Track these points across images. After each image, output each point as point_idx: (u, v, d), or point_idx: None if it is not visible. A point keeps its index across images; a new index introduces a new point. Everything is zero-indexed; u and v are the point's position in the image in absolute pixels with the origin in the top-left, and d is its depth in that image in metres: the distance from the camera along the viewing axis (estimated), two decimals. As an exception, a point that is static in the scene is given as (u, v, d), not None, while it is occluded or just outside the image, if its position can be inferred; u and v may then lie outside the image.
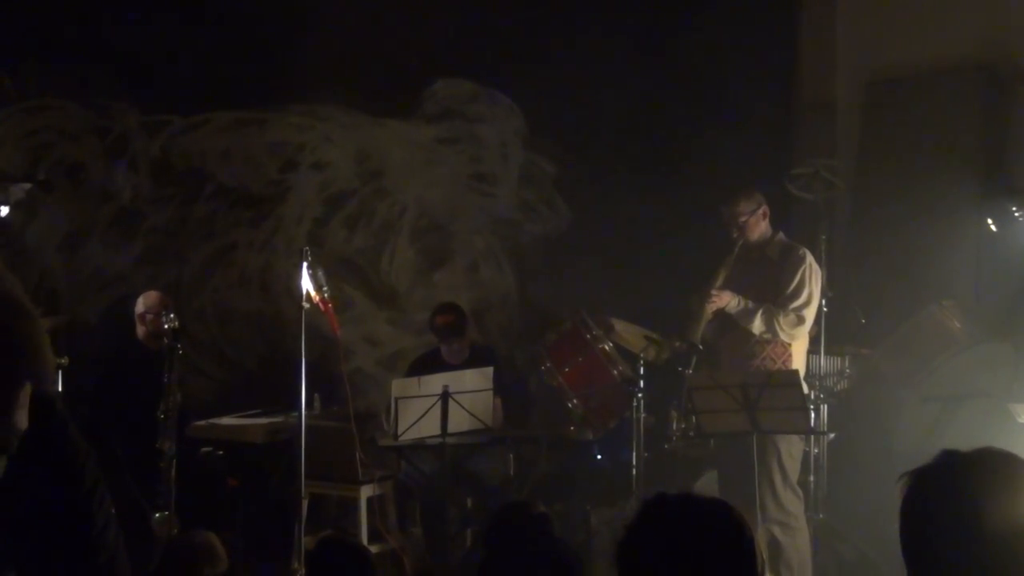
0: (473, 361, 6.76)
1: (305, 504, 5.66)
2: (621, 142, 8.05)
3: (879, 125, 7.89)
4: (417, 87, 8.25)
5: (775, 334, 5.90)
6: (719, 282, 5.98)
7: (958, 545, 2.10)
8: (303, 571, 5.13)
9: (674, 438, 6.52)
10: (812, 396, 6.35)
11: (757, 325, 5.89)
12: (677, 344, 6.11)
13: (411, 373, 6.78)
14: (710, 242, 6.30)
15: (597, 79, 7.86)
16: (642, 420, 6.25)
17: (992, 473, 2.16)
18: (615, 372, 6.29)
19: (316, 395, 6.73)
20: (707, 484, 6.46)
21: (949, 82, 7.51)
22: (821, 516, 6.48)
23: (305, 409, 5.53)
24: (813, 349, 6.47)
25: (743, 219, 6.02)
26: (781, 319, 5.88)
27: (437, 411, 6.14)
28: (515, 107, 8.28)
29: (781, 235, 6.13)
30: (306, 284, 5.47)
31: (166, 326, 5.58)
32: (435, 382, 6.21)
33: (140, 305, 6.64)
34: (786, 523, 5.85)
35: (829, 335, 6.65)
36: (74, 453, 2.33)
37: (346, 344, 6.94)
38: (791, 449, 5.90)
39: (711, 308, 5.93)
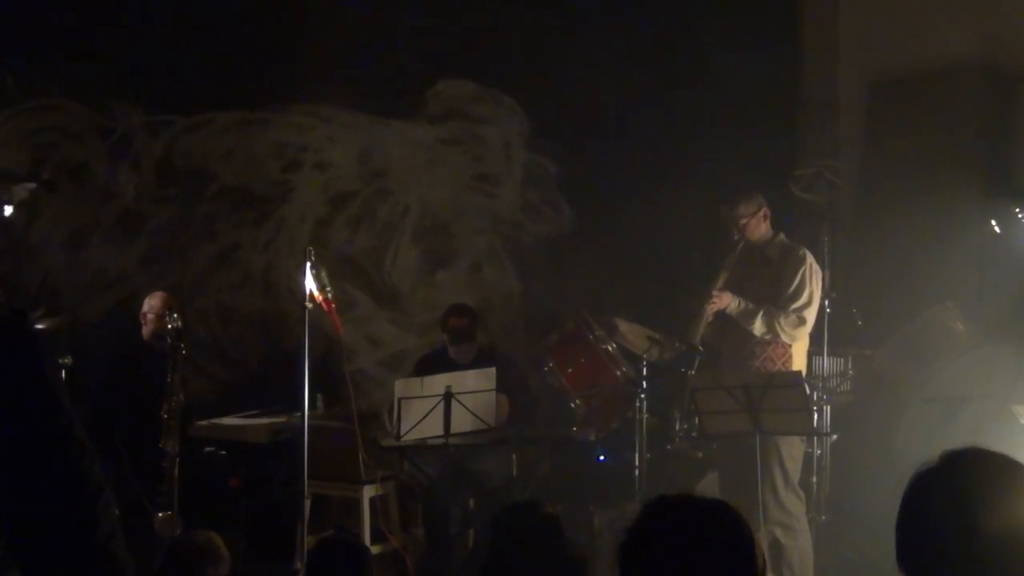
0: (480, 362, 6.75)
1: (308, 504, 5.66)
2: (624, 143, 8.05)
3: (882, 126, 7.88)
4: (420, 88, 8.25)
5: (776, 335, 5.90)
6: (720, 283, 5.98)
7: (954, 547, 2.10)
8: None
9: (677, 439, 6.53)
10: (815, 397, 6.35)
11: (758, 326, 5.90)
12: (677, 345, 6.12)
13: (418, 371, 6.76)
14: (713, 243, 6.30)
15: (600, 80, 7.86)
16: (645, 421, 6.25)
17: (988, 475, 2.16)
18: (618, 373, 6.30)
19: (319, 395, 6.73)
20: (709, 485, 6.46)
21: (952, 83, 7.50)
22: (823, 517, 6.48)
23: (308, 409, 5.53)
24: (816, 350, 6.47)
25: (743, 221, 6.02)
26: (782, 320, 5.88)
27: (440, 411, 6.14)
28: (518, 108, 8.27)
29: (782, 236, 6.13)
30: (309, 284, 5.47)
31: (169, 326, 5.60)
32: (438, 382, 6.21)
33: (145, 305, 6.67)
34: (788, 524, 5.85)
35: (832, 336, 6.65)
36: (79, 455, 2.33)
37: (349, 344, 6.94)
38: (792, 450, 5.90)
39: (712, 309, 5.93)
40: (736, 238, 6.05)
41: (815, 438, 6.37)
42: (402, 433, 6.21)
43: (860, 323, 7.07)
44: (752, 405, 5.55)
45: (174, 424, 5.51)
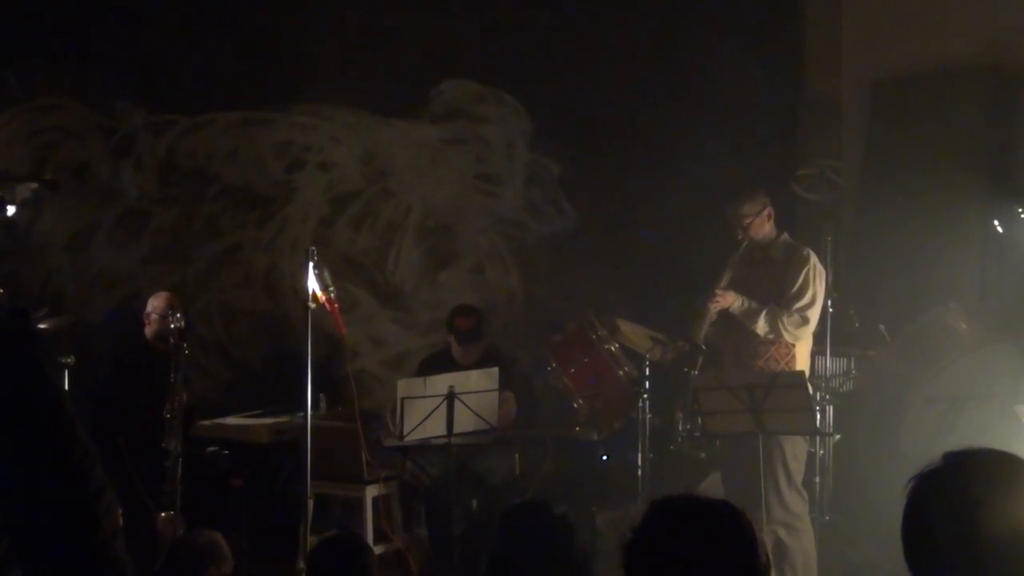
0: (484, 364, 6.74)
1: (310, 504, 5.66)
2: (626, 143, 8.05)
3: (885, 126, 7.88)
4: (423, 87, 8.25)
5: (779, 335, 5.90)
6: (723, 283, 5.98)
7: (959, 547, 2.10)
8: (308, 571, 5.13)
9: (679, 439, 6.53)
10: (818, 397, 6.35)
11: (761, 325, 5.89)
12: (680, 344, 6.12)
13: (421, 372, 6.76)
14: (716, 243, 6.30)
15: (602, 80, 7.86)
16: (648, 421, 6.25)
17: (992, 475, 2.15)
18: (621, 373, 6.30)
19: (321, 395, 6.73)
20: (712, 485, 6.46)
21: (955, 83, 7.50)
22: (827, 518, 6.47)
23: (311, 409, 5.53)
24: (819, 350, 6.46)
25: (747, 220, 6.01)
26: (785, 320, 5.88)
27: (443, 411, 6.14)
28: (521, 108, 8.27)
29: (785, 236, 6.13)
30: (312, 284, 5.47)
31: (172, 326, 5.61)
32: (441, 382, 6.21)
33: (148, 305, 6.67)
34: (791, 525, 5.85)
35: (834, 336, 6.64)
36: (82, 455, 2.33)
37: (351, 344, 6.94)
38: (795, 450, 5.90)
39: (715, 308, 5.93)
40: (740, 237, 6.04)
41: (818, 438, 6.36)
42: (405, 433, 6.20)
43: (857, 324, 7.06)
44: (755, 405, 5.55)
45: (177, 424, 5.51)
